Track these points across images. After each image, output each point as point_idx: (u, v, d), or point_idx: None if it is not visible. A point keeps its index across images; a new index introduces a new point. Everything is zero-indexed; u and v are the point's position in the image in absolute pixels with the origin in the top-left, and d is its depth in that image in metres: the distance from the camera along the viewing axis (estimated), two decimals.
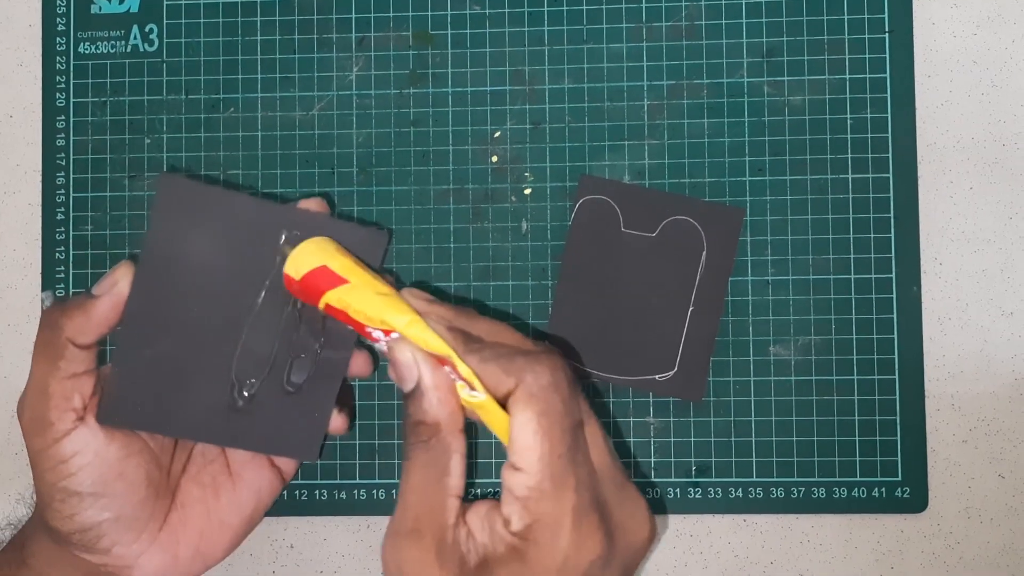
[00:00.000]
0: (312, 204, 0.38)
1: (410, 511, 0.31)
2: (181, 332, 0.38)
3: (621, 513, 0.31)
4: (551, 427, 0.29)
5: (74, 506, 0.37)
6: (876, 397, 0.47)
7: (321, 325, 0.38)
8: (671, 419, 0.48)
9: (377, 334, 0.34)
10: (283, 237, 0.37)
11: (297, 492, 0.49)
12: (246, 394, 0.38)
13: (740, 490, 0.47)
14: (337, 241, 0.37)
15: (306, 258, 0.36)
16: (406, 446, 0.32)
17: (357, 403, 0.48)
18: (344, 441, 0.48)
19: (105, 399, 0.38)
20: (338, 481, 0.49)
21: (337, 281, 0.35)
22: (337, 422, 0.40)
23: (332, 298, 0.35)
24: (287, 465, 0.43)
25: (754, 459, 0.47)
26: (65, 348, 0.36)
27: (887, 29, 0.48)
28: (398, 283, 0.39)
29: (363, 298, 0.34)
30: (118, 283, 0.37)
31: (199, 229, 0.37)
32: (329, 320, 0.37)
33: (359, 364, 0.40)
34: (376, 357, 0.43)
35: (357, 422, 0.49)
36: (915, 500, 0.47)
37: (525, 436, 0.29)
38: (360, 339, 0.36)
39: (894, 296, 0.47)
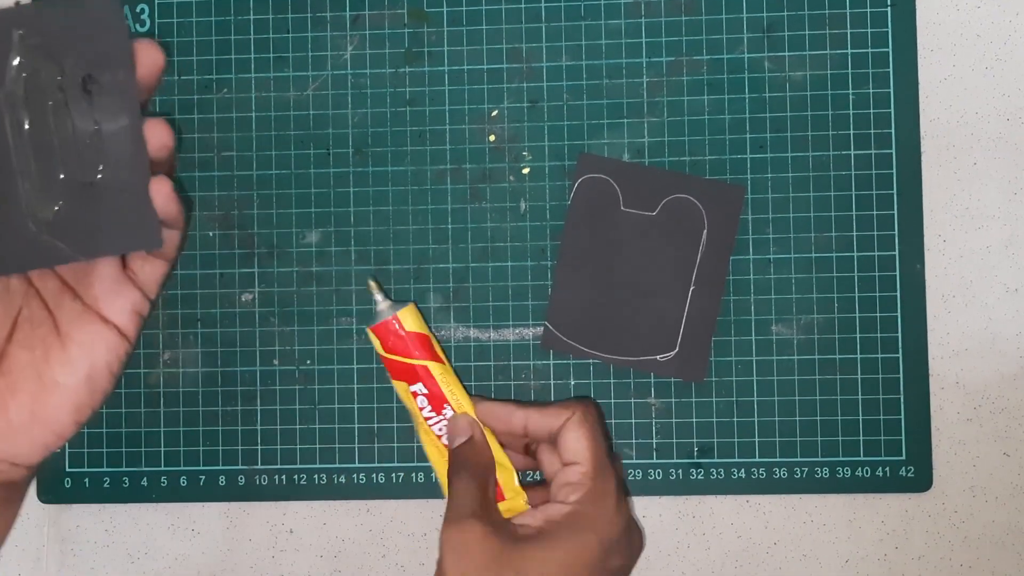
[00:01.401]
0: None
1: (460, 499, 0.41)
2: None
3: (634, 523, 0.44)
4: (595, 439, 0.42)
5: None
6: (880, 376, 0.47)
7: (89, 101, 0.36)
8: (673, 400, 0.47)
9: (448, 411, 0.44)
10: (14, 37, 0.36)
11: (296, 476, 0.48)
12: (57, 208, 0.36)
13: (743, 471, 0.47)
14: (72, 16, 0.35)
15: (415, 319, 0.45)
16: (451, 476, 0.43)
17: (355, 387, 0.48)
18: (343, 425, 0.48)
19: None
20: (337, 465, 0.48)
21: (438, 358, 0.45)
22: (159, 196, 0.37)
23: (435, 369, 0.44)
24: (124, 321, 0.40)
25: (757, 439, 0.47)
26: None
27: (889, 3, 0.47)
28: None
29: (454, 382, 0.45)
30: None
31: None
32: (97, 93, 0.36)
33: (157, 133, 0.37)
34: (177, 129, 0.41)
35: (355, 406, 0.48)
36: (919, 479, 0.47)
37: (579, 441, 0.42)
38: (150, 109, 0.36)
39: (897, 274, 0.47)
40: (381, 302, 0.45)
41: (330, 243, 0.48)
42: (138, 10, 0.49)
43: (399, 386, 0.45)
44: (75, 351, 0.39)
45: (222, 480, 0.48)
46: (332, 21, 0.49)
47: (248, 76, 0.49)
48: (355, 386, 0.48)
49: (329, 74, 0.49)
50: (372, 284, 0.46)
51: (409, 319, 0.45)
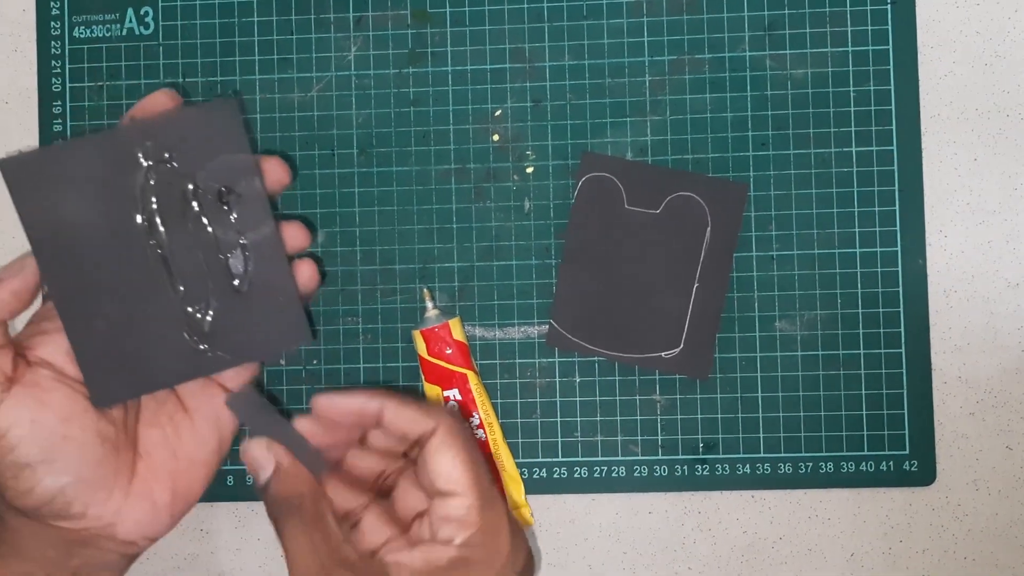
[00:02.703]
0: (159, 97, 0.38)
1: (305, 571, 0.35)
2: (112, 290, 0.37)
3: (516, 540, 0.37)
4: (473, 459, 0.35)
5: (28, 479, 0.36)
6: (883, 371, 0.47)
7: (228, 214, 0.37)
8: (677, 396, 0.48)
9: (475, 419, 0.46)
10: (139, 156, 0.37)
11: None
12: (209, 317, 0.38)
13: (748, 466, 0.47)
14: (193, 124, 0.37)
15: (460, 330, 0.47)
16: (282, 525, 0.36)
17: (361, 382, 0.48)
18: None
19: (89, 386, 0.37)
20: None
21: (474, 369, 0.47)
22: (304, 276, 0.39)
23: (472, 379, 0.46)
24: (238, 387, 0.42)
25: (761, 435, 0.47)
26: None
27: (889, 0, 0.47)
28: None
29: (485, 394, 0.47)
30: (25, 268, 0.37)
31: (62, 192, 0.36)
32: (235, 204, 0.37)
33: (294, 235, 0.39)
34: (312, 227, 0.42)
35: None
36: (923, 473, 0.47)
37: (455, 467, 0.35)
38: (276, 209, 0.38)
39: (899, 269, 0.47)
40: (431, 309, 0.47)
41: (335, 243, 0.48)
42: (142, 13, 0.49)
43: (432, 389, 0.46)
44: (204, 425, 0.40)
45: (230, 480, 0.49)
46: (336, 23, 0.49)
47: (253, 78, 0.49)
48: (361, 386, 0.48)
49: (333, 75, 0.49)
50: (426, 292, 0.47)
51: (457, 329, 0.46)
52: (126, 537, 0.39)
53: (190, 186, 0.37)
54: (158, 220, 0.37)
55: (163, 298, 0.38)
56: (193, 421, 0.40)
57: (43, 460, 0.36)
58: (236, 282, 0.38)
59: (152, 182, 0.37)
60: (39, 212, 0.36)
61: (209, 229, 0.38)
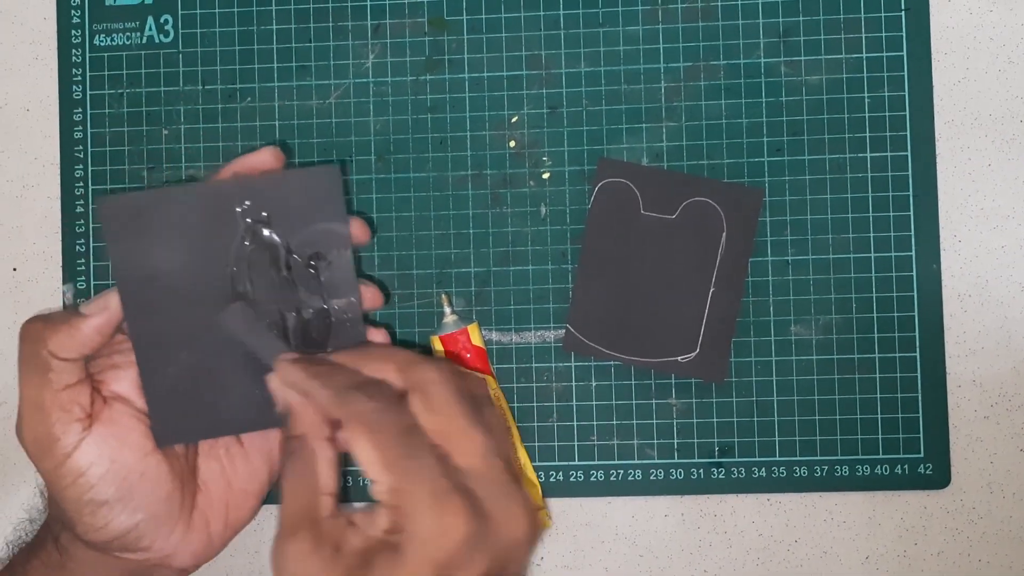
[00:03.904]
0: (264, 156, 0.38)
1: (287, 512, 0.34)
2: (191, 337, 0.38)
3: (494, 504, 0.33)
4: (383, 440, 0.33)
5: (104, 516, 0.37)
6: (897, 375, 0.47)
7: (316, 278, 0.38)
8: (693, 400, 0.48)
9: None
10: (237, 212, 0.37)
11: None
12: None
13: (763, 470, 0.48)
14: (294, 188, 0.37)
15: (478, 336, 0.47)
16: (283, 462, 0.35)
17: None
18: None
19: (154, 426, 0.38)
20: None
21: (492, 374, 0.47)
22: (377, 341, 0.40)
23: (491, 383, 0.47)
24: None
25: (777, 439, 0.48)
26: (50, 361, 0.36)
27: (903, 7, 0.48)
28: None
29: (503, 398, 0.47)
30: (109, 307, 0.37)
31: (156, 237, 0.37)
32: (324, 270, 0.38)
33: (371, 297, 0.40)
34: (386, 290, 0.42)
35: None
36: (937, 476, 0.47)
37: (365, 452, 0.33)
38: (360, 274, 0.39)
39: (914, 274, 0.47)
40: (449, 315, 0.47)
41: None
42: (162, 21, 0.50)
43: None
44: (257, 458, 0.41)
45: None
46: (353, 30, 0.49)
47: (271, 85, 0.49)
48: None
49: (351, 82, 0.49)
50: (444, 297, 0.47)
51: (475, 334, 0.47)
52: (182, 566, 0.39)
53: (283, 249, 0.38)
54: (247, 278, 0.38)
55: (238, 351, 0.38)
56: (248, 453, 0.41)
57: (120, 498, 0.37)
58: (314, 347, 0.39)
59: (247, 242, 0.38)
60: (130, 254, 0.37)
61: (296, 292, 0.38)
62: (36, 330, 0.37)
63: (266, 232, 0.38)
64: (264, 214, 0.37)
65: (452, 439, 0.33)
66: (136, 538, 0.38)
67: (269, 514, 0.50)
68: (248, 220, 0.37)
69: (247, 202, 0.37)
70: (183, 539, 0.39)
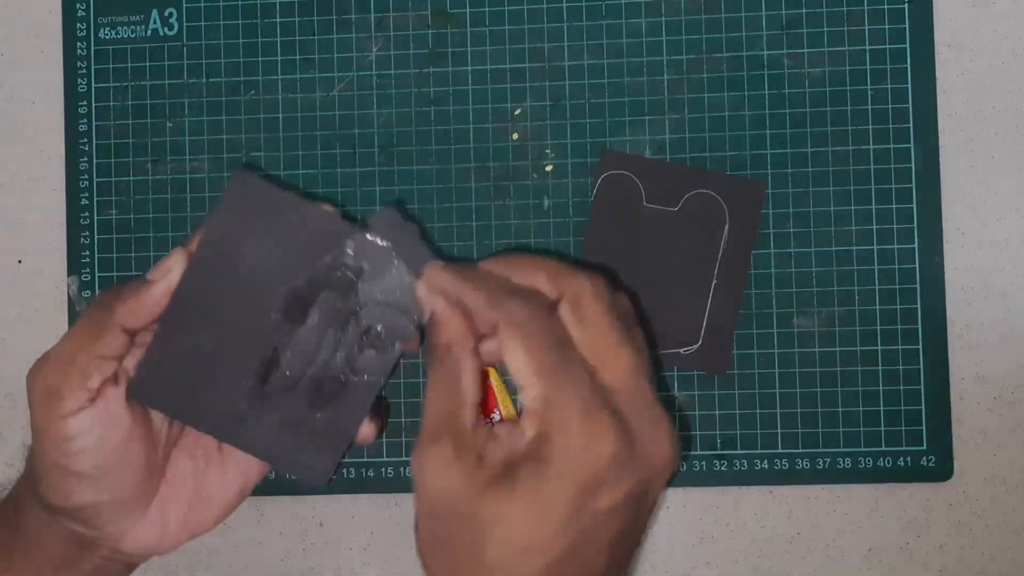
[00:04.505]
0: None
1: (430, 421, 0.33)
2: (221, 327, 0.38)
3: (640, 425, 0.32)
4: (537, 347, 0.32)
5: (72, 486, 0.37)
6: (900, 367, 0.47)
7: (356, 355, 0.38)
8: (696, 392, 0.48)
9: (496, 416, 0.46)
10: (329, 255, 0.37)
11: None
12: (271, 412, 0.38)
13: (766, 462, 0.48)
14: (399, 276, 0.37)
15: None
16: (427, 370, 0.34)
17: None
18: None
19: (139, 376, 0.38)
20: (366, 459, 0.49)
21: (495, 366, 0.44)
22: (366, 431, 0.40)
23: (493, 376, 0.46)
24: None
25: (779, 431, 0.48)
26: (112, 331, 0.36)
27: None
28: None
29: (505, 390, 0.47)
30: (172, 270, 0.37)
31: (262, 231, 0.37)
32: (366, 351, 0.38)
33: (366, 431, 0.40)
34: (380, 427, 0.42)
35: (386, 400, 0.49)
36: (940, 469, 0.47)
37: (517, 357, 0.32)
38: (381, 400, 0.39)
39: (917, 266, 0.47)
40: None
41: None
42: (167, 14, 0.50)
43: None
44: (233, 470, 0.41)
45: None
46: (357, 23, 0.50)
47: (275, 78, 0.50)
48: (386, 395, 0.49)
49: (355, 75, 0.49)
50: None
51: None
52: (127, 551, 0.39)
53: (351, 311, 0.38)
54: (308, 308, 0.38)
55: (249, 370, 0.38)
56: (225, 465, 0.41)
57: (92, 475, 0.37)
58: (318, 407, 0.39)
59: (322, 282, 0.37)
60: (229, 231, 0.37)
61: (336, 354, 0.38)
62: (107, 299, 0.37)
63: (348, 285, 0.37)
64: (364, 267, 0.37)
65: (602, 354, 0.32)
66: (93, 515, 0.38)
67: (274, 505, 0.50)
68: (339, 265, 0.37)
69: (350, 250, 0.37)
70: (135, 525, 0.39)
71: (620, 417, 0.32)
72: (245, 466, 0.41)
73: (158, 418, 0.39)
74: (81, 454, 0.37)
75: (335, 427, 0.39)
